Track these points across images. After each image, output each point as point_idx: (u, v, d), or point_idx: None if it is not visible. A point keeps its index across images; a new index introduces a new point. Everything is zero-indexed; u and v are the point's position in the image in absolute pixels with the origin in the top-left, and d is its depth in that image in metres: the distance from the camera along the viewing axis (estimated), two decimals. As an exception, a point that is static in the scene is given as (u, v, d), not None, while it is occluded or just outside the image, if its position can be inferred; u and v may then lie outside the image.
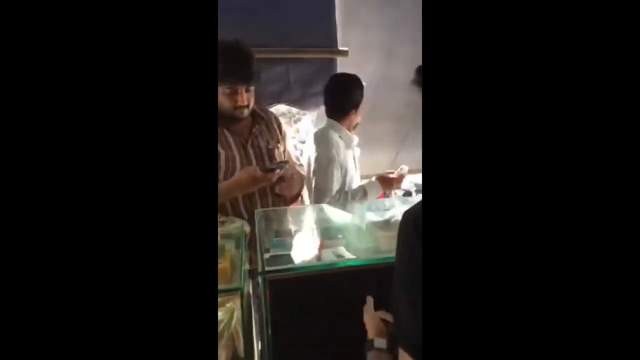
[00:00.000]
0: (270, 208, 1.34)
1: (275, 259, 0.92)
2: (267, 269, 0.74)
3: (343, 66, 1.87)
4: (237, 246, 1.22)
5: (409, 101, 1.70)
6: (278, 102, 1.78)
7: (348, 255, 0.93)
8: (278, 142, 1.40)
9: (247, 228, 1.27)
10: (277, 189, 1.27)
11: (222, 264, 1.07)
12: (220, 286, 0.93)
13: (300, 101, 1.81)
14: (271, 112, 1.49)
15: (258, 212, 1.25)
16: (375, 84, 1.86)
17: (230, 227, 1.27)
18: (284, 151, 1.46)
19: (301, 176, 1.39)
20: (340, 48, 1.83)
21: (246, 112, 1.31)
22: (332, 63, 1.85)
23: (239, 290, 0.73)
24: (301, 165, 1.50)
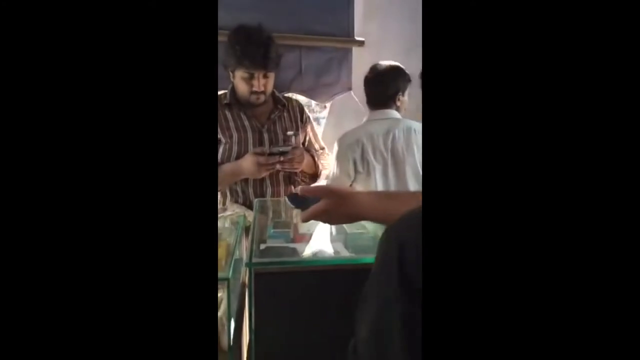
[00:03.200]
0: (275, 198, 1.32)
1: (270, 251, 0.89)
2: (254, 260, 0.71)
3: (358, 57, 1.82)
4: (232, 234, 1.20)
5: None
6: (288, 90, 1.74)
7: (345, 252, 0.89)
8: (297, 129, 1.36)
9: (249, 217, 1.24)
10: (279, 167, 1.24)
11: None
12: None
13: (311, 90, 1.77)
14: (295, 99, 1.46)
15: (257, 201, 1.22)
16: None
17: (232, 215, 1.24)
18: (305, 139, 1.43)
19: (312, 158, 1.36)
20: (357, 38, 1.77)
21: (262, 97, 1.29)
22: (347, 53, 1.80)
23: (226, 280, 0.70)
24: (323, 151, 1.47)
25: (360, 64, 1.84)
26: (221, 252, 1.04)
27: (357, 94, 1.85)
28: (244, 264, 1.04)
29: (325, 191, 0.74)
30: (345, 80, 1.82)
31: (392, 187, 1.35)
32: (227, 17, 1.54)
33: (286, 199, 0.82)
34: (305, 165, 1.31)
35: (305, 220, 0.74)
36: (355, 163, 1.31)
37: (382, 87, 1.37)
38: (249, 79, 1.24)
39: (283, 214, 1.25)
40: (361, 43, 1.78)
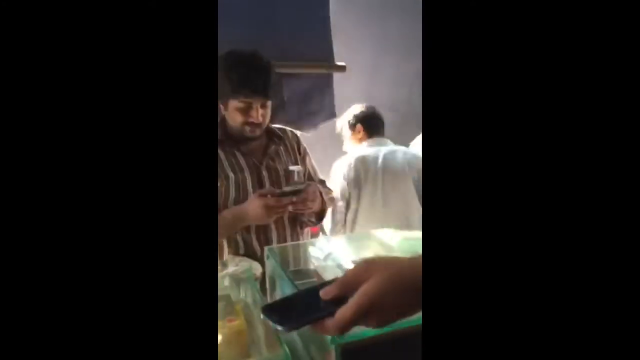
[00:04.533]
0: (289, 243, 1.13)
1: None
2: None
3: (338, 83, 1.74)
4: (247, 295, 0.98)
5: (391, 122, 1.74)
6: (272, 122, 1.59)
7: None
8: (298, 163, 1.20)
9: (257, 270, 1.04)
10: (291, 208, 1.06)
11: (235, 323, 0.83)
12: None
13: (296, 121, 1.63)
14: (290, 131, 1.29)
15: (268, 249, 1.03)
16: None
17: (235, 270, 1.03)
18: (305, 173, 1.25)
19: (320, 195, 1.17)
20: (338, 63, 1.69)
21: (258, 131, 1.11)
22: (328, 79, 1.70)
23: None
24: (325, 186, 1.30)
25: (339, 88, 1.77)
26: (240, 323, 0.82)
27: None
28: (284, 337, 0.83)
29: (363, 267, 0.40)
30: (329, 107, 1.72)
31: (383, 205, 1.51)
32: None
33: (264, 316, 0.40)
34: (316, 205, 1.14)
35: (344, 330, 0.38)
36: (348, 183, 1.51)
37: (378, 120, 1.64)
38: (246, 110, 1.08)
39: (292, 263, 1.06)
40: (342, 68, 1.70)
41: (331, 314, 0.38)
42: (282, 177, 1.16)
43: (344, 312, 0.38)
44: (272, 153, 1.18)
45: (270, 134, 1.21)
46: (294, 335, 0.74)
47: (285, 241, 1.14)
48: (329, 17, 1.66)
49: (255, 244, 1.12)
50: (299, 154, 1.25)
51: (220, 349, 0.75)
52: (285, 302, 0.43)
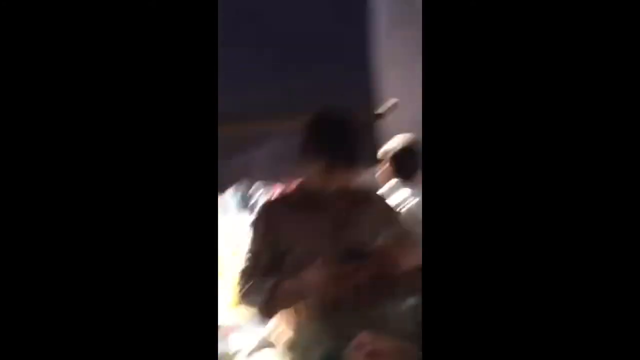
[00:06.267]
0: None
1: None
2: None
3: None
4: None
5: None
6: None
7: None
8: (382, 229, 1.01)
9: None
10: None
11: None
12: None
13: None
14: (377, 194, 1.16)
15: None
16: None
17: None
18: (397, 245, 1.02)
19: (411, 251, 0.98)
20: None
21: (336, 194, 1.00)
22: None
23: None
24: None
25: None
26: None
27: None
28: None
29: None
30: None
31: None
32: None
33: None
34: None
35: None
36: None
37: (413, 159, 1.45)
38: (326, 173, 0.96)
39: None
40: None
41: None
42: (360, 247, 0.98)
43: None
44: (354, 217, 1.03)
45: (353, 194, 1.05)
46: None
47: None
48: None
49: None
50: (390, 218, 1.08)
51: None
52: None
